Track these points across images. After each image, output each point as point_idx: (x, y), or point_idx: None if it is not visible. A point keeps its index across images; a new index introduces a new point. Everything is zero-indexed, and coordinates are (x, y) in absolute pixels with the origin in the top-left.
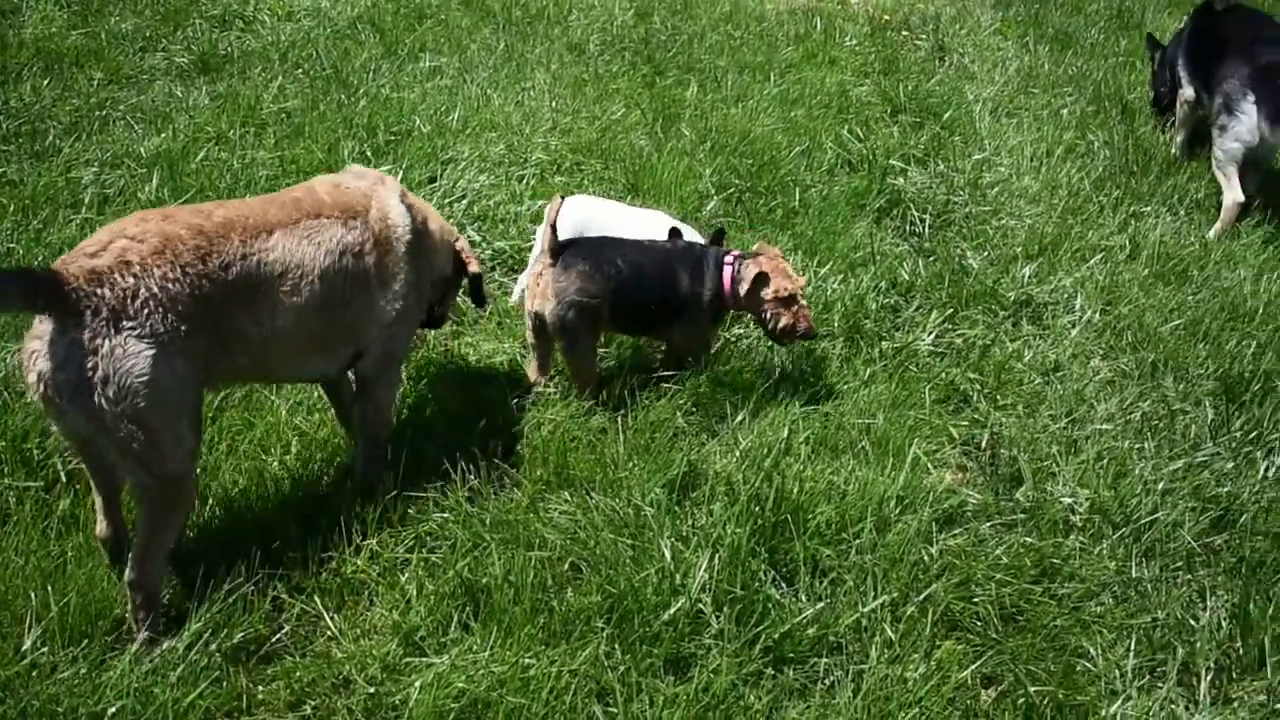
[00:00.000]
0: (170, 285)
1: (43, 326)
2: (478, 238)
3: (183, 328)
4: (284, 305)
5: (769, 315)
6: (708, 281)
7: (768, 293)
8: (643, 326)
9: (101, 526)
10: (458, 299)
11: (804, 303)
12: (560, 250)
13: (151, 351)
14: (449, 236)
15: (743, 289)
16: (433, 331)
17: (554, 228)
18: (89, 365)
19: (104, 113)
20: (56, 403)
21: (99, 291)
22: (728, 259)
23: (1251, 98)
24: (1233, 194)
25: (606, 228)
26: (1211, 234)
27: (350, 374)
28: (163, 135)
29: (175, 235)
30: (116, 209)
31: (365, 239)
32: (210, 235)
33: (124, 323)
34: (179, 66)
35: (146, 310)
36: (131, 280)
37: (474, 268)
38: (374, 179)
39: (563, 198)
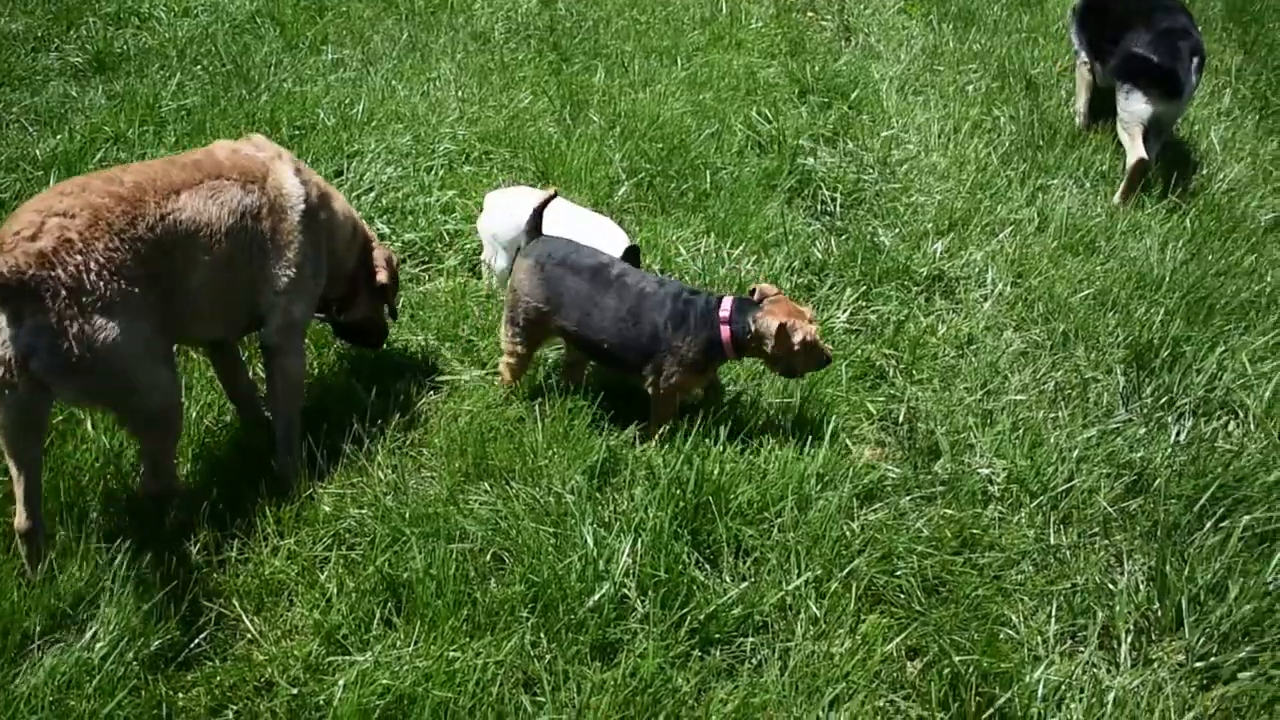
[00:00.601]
0: (114, 254)
1: None
2: (386, 230)
3: (135, 289)
4: (198, 262)
5: (799, 364)
6: (693, 334)
7: (795, 342)
8: (602, 361)
9: (21, 519)
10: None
11: (818, 335)
12: (535, 234)
13: (118, 320)
14: (359, 229)
15: (768, 345)
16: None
17: (538, 212)
18: (62, 347)
19: None
20: (18, 388)
21: (53, 274)
22: (722, 311)
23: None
24: (1136, 152)
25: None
26: (1116, 197)
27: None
28: (59, 136)
29: (102, 205)
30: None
31: (262, 204)
32: (130, 200)
33: (84, 299)
34: (74, 66)
35: (101, 282)
36: (79, 257)
37: (381, 277)
38: (272, 152)
39: (555, 193)
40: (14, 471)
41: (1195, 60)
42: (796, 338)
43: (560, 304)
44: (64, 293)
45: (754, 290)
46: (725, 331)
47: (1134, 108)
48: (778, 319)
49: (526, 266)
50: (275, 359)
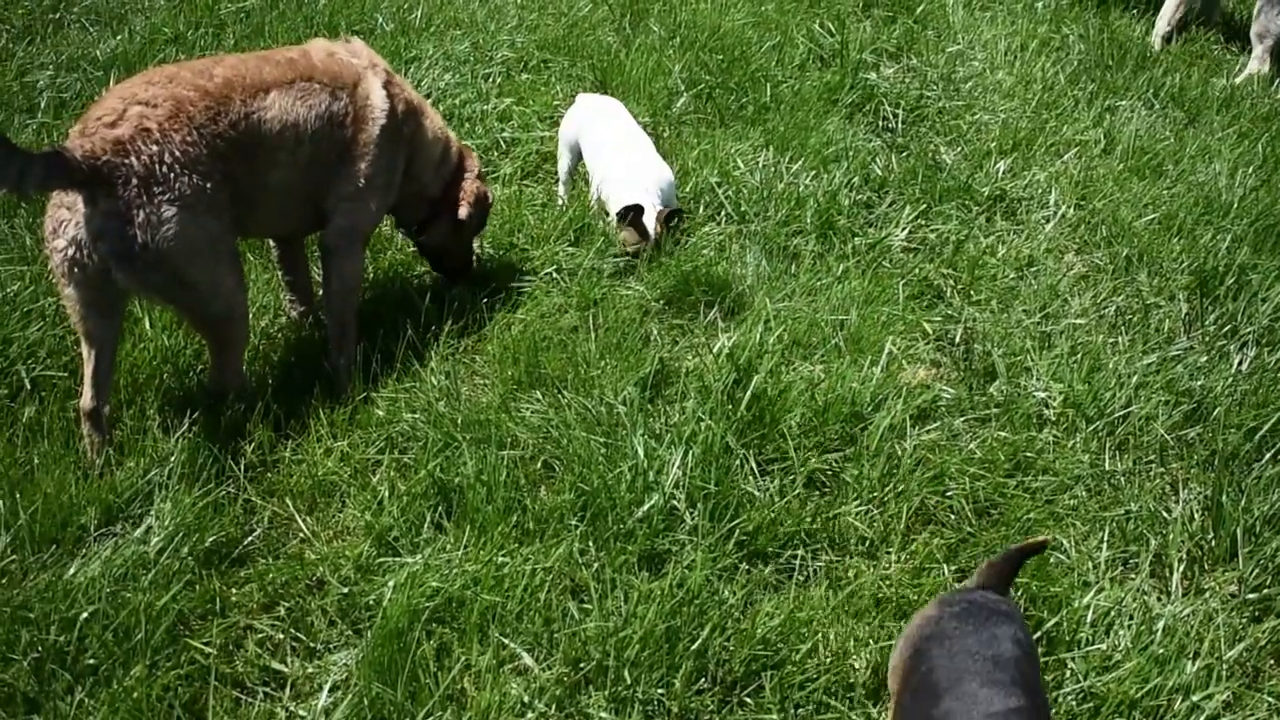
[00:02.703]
0: (190, 148)
1: (68, 197)
2: None
3: (207, 185)
4: (277, 162)
5: None
6: None
7: None
8: None
9: (87, 398)
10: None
11: None
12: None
13: (184, 214)
14: (452, 154)
15: None
16: (401, 236)
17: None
18: (128, 234)
19: (58, 15)
20: (89, 268)
21: (126, 161)
22: None
23: None
24: (1260, 65)
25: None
26: (1239, 78)
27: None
28: (119, 37)
29: (185, 98)
30: (74, 112)
31: (347, 111)
32: (216, 96)
33: (154, 189)
34: None
35: (173, 175)
36: (155, 147)
37: (461, 211)
38: (366, 60)
39: (1045, 542)
40: (85, 352)
41: None
42: None
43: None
44: (135, 181)
45: None
46: None
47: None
48: None
49: (930, 603)
50: (332, 260)
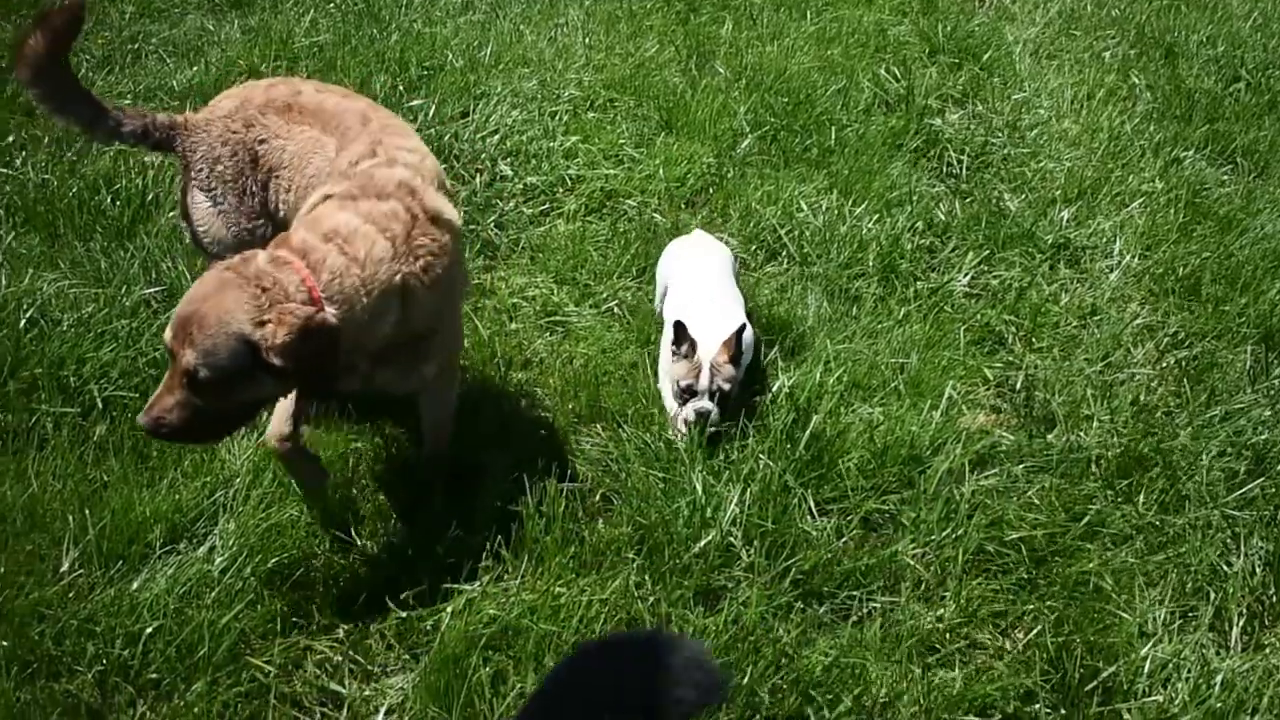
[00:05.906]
0: (215, 146)
1: None
2: (509, 172)
3: (220, 186)
4: (286, 191)
5: None
6: None
7: None
8: None
9: None
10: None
11: None
12: None
13: (205, 201)
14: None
15: None
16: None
17: None
18: (182, 204)
19: (136, 46)
20: None
21: (188, 142)
22: None
23: None
24: None
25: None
26: None
27: None
28: (195, 69)
29: (248, 100)
30: None
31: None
32: (269, 109)
33: (191, 172)
34: (211, 0)
35: (201, 165)
36: (200, 135)
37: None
38: (393, 195)
39: None
40: None
41: None
42: None
43: None
44: (185, 162)
45: None
46: None
47: None
48: None
49: None
50: None
